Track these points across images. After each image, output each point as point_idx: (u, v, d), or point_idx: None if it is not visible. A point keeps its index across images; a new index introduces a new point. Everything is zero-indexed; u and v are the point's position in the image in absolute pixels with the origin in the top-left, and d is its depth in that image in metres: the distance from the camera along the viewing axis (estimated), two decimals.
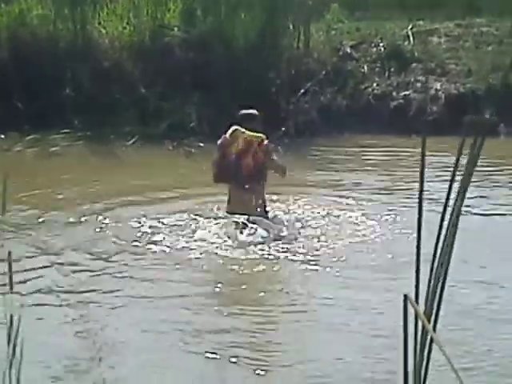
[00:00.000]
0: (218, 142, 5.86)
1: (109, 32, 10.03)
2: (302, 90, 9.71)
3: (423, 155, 1.55)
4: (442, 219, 1.42)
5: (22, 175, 7.63)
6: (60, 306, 4.53)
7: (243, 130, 5.70)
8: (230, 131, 5.74)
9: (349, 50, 10.32)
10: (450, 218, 1.43)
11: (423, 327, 1.53)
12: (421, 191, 1.51)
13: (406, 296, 1.55)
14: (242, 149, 5.73)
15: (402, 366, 1.57)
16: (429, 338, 1.53)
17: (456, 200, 1.45)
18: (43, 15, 10.05)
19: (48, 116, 9.29)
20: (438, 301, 1.52)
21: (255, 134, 5.73)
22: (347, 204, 6.49)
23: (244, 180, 5.76)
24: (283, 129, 9.09)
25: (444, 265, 1.46)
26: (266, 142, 5.77)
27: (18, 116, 9.37)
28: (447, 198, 1.45)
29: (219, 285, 4.87)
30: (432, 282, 1.47)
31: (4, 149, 8.63)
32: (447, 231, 1.44)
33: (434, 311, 1.51)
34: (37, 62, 9.68)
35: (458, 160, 1.46)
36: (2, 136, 9.14)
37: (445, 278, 1.49)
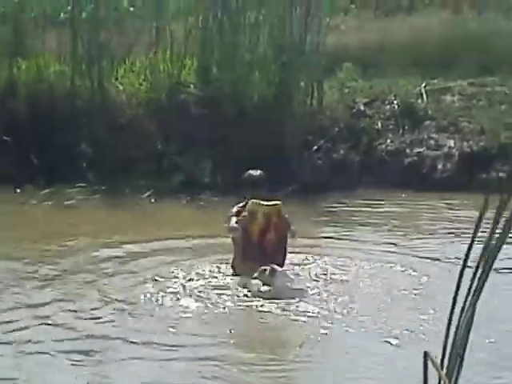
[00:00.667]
0: (232, 211, 5.88)
1: (126, 88, 10.18)
2: (315, 147, 9.79)
3: (481, 216, 1.54)
4: (473, 280, 1.43)
5: (37, 228, 7.70)
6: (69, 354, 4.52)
7: (259, 202, 5.68)
8: (248, 207, 5.71)
9: (362, 108, 10.42)
10: (478, 282, 1.44)
11: None
12: (467, 254, 1.50)
13: (426, 353, 1.55)
14: (264, 224, 5.72)
15: None
16: None
17: (485, 264, 1.45)
18: (61, 71, 10.22)
19: (63, 170, 9.38)
20: (460, 361, 1.52)
21: (272, 203, 5.72)
22: (361, 258, 6.48)
23: (269, 257, 5.74)
24: (294, 185, 9.13)
25: (467, 326, 1.46)
26: (282, 209, 5.76)
27: (33, 170, 9.46)
28: (480, 258, 1.46)
29: (240, 339, 4.85)
30: (454, 342, 1.47)
31: (20, 202, 8.70)
32: (473, 293, 1.45)
33: (456, 372, 1.50)
34: (54, 118, 9.81)
35: (497, 217, 1.46)
36: (18, 190, 9.22)
37: (467, 340, 1.49)
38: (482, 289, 1.55)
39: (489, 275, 1.53)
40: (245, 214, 5.73)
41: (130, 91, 10.14)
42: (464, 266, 1.59)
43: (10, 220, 8.02)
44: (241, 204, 5.94)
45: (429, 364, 1.54)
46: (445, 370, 1.55)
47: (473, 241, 1.53)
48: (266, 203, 5.71)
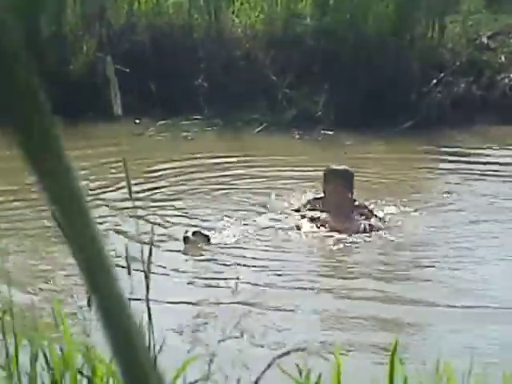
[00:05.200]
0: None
1: (242, 21, 10.15)
2: (435, 81, 9.47)
3: None
4: None
5: (153, 159, 7.90)
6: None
7: None
8: None
9: (485, 41, 9.97)
10: None
11: None
12: None
13: None
14: None
15: None
16: None
17: None
18: (179, 4, 10.29)
19: (180, 103, 9.51)
20: None
21: None
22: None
23: None
24: (412, 120, 8.92)
25: None
26: None
27: (152, 103, 9.64)
28: None
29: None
30: None
31: (138, 133, 8.92)
32: None
33: None
34: (172, 51, 9.93)
35: None
36: (137, 121, 9.43)
37: None
38: None
39: None
40: None
41: (246, 24, 10.09)
42: None
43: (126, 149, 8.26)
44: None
45: None
46: None
47: None
48: None
